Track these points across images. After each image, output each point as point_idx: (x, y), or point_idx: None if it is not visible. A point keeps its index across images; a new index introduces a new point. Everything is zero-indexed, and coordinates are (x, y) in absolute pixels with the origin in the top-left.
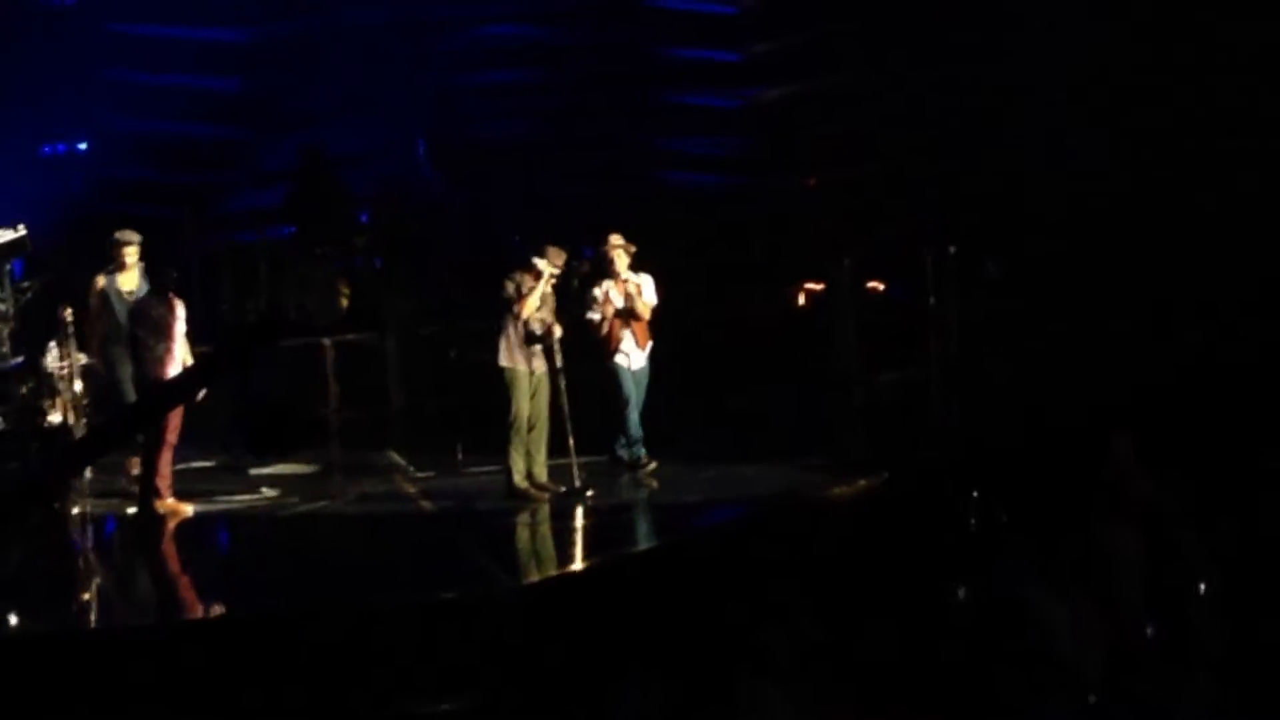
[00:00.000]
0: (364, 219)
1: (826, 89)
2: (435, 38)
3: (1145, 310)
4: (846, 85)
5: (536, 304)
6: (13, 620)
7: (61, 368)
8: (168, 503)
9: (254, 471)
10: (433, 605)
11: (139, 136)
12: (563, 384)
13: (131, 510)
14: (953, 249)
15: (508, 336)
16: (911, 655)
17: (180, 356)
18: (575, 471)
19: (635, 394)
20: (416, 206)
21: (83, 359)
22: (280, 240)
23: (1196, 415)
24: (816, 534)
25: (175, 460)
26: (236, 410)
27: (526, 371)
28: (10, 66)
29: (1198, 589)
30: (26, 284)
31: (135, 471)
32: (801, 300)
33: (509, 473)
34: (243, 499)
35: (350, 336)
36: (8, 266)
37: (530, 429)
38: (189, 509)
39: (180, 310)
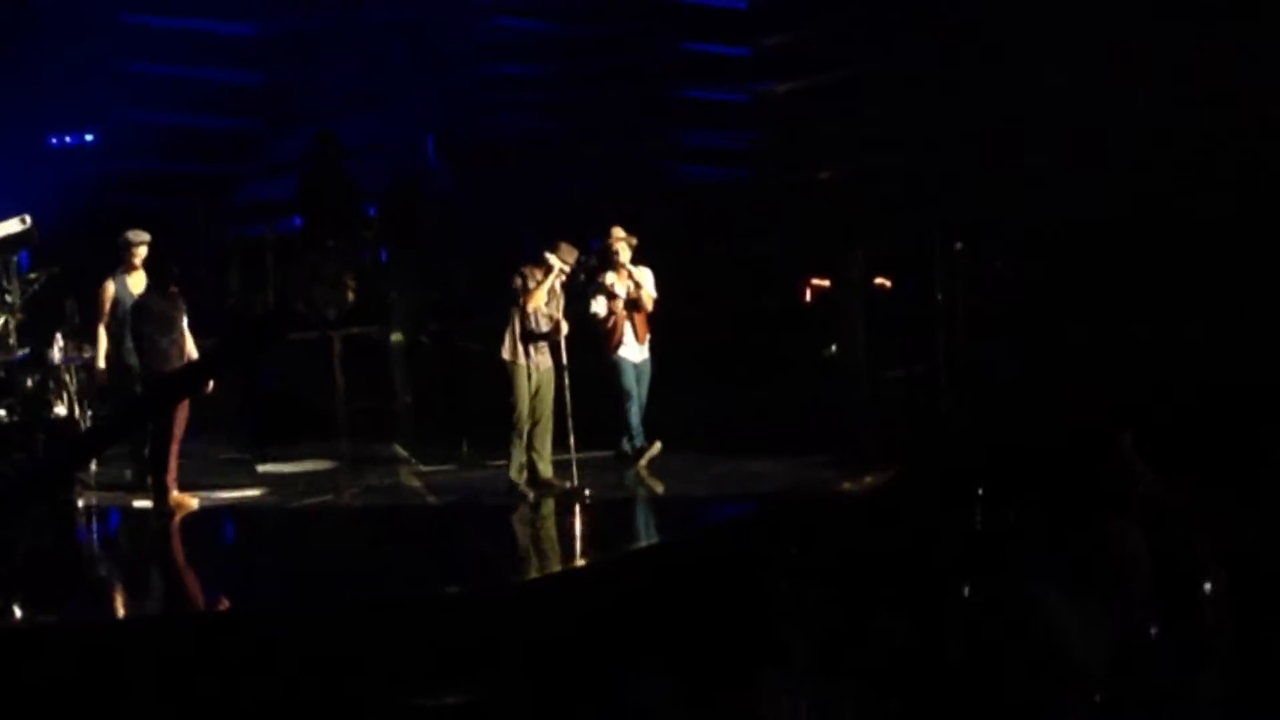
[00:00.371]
0: (372, 212)
1: (836, 84)
2: (445, 31)
3: (1156, 308)
4: (856, 80)
5: (544, 298)
6: (18, 612)
7: (68, 360)
8: (174, 495)
9: (260, 464)
10: (437, 599)
11: (148, 128)
12: (566, 380)
13: (138, 503)
14: (961, 245)
15: (512, 330)
16: (918, 653)
17: (185, 351)
18: (575, 468)
19: (637, 387)
20: (425, 200)
21: (91, 351)
22: (289, 233)
23: (1206, 414)
24: (823, 530)
25: (181, 453)
26: (243, 403)
27: (527, 366)
28: (19, 57)
29: (1205, 588)
30: (33, 275)
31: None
32: (808, 296)
33: (509, 466)
34: (248, 492)
35: (357, 330)
36: (14, 258)
37: (534, 425)
38: (194, 502)
39: (182, 304)
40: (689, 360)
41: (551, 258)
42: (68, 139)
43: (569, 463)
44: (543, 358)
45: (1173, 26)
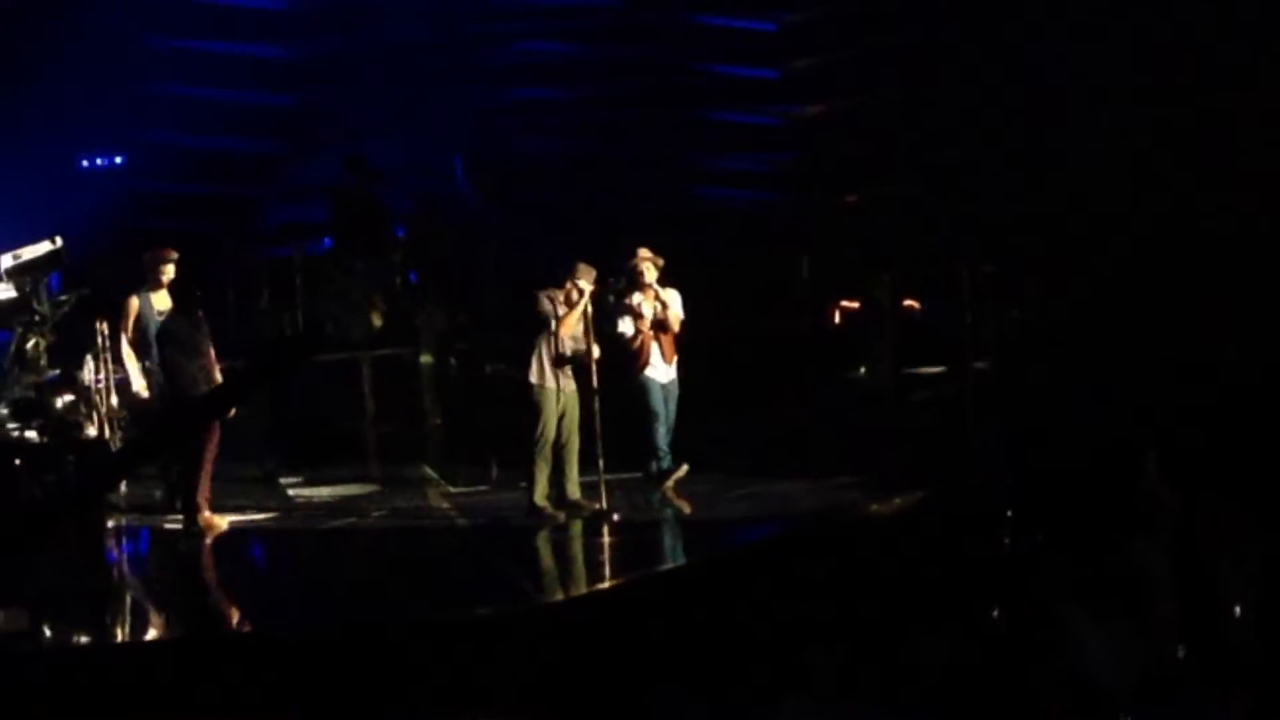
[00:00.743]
0: (400, 234)
1: (864, 106)
2: (475, 54)
3: (1184, 329)
4: (884, 103)
5: (577, 320)
6: (48, 633)
7: (98, 381)
8: (204, 516)
9: (288, 486)
10: (467, 621)
11: (176, 150)
12: (596, 404)
13: (167, 524)
14: (990, 268)
15: (539, 354)
16: (948, 675)
17: (211, 375)
18: (603, 490)
19: (664, 409)
20: (453, 222)
21: (123, 372)
22: (317, 255)
23: (1233, 434)
24: (852, 552)
25: (211, 474)
26: (272, 424)
27: (556, 389)
28: (48, 80)
29: (1233, 609)
30: (64, 297)
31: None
32: (837, 318)
33: (531, 490)
34: (277, 513)
35: (385, 352)
36: (45, 280)
37: (562, 447)
38: (224, 523)
39: (206, 328)
40: (718, 382)
41: (581, 282)
42: (97, 161)
43: (597, 484)
44: (568, 381)
45: (1194, 41)
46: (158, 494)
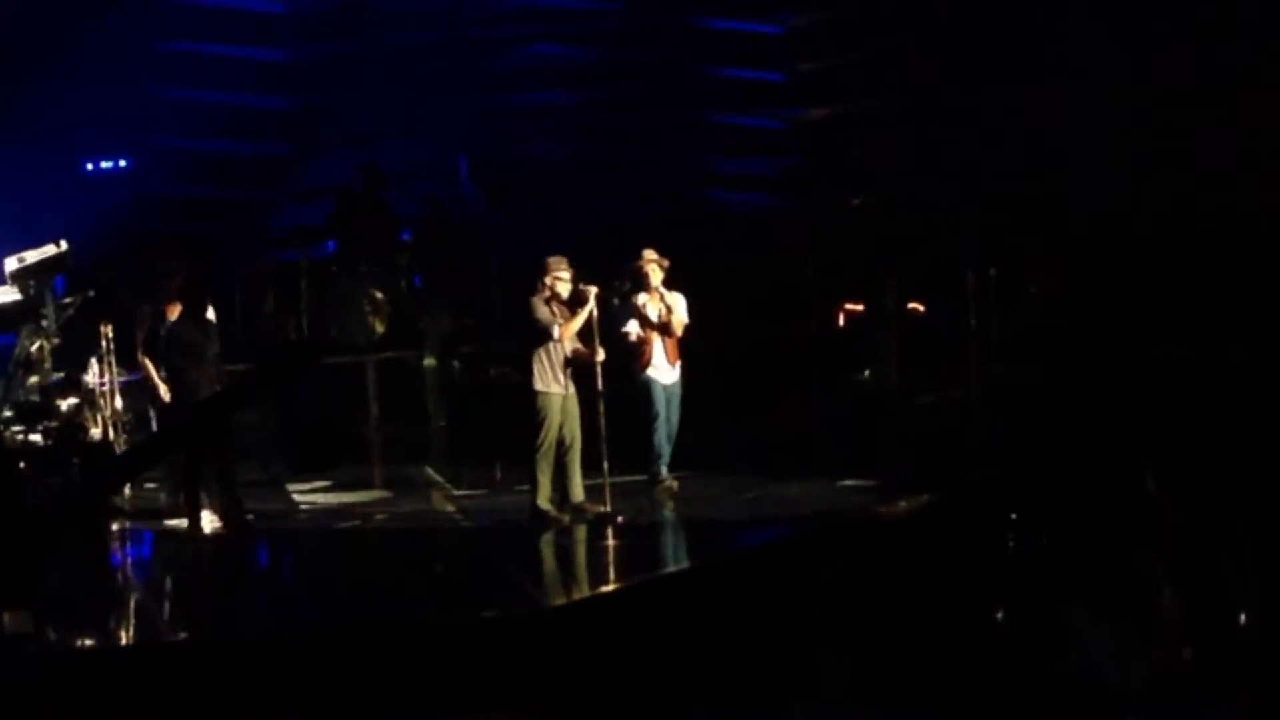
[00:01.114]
0: (406, 237)
1: (870, 109)
2: (480, 57)
3: (1188, 331)
4: (890, 106)
5: (579, 325)
6: (52, 636)
7: (103, 384)
8: (209, 520)
9: (293, 489)
10: (471, 623)
11: (181, 153)
12: (601, 407)
13: (174, 526)
14: (994, 270)
15: (541, 360)
16: (952, 677)
17: (215, 381)
18: (607, 493)
19: (666, 410)
20: (458, 225)
21: (127, 376)
22: (323, 258)
23: (1237, 437)
24: (857, 554)
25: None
26: (278, 427)
27: (558, 395)
28: (54, 84)
29: (1236, 611)
30: (69, 300)
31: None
32: (842, 321)
33: (534, 494)
34: (281, 516)
35: (391, 355)
36: (50, 283)
37: (566, 450)
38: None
39: (214, 334)
40: (723, 385)
41: (559, 280)
42: (102, 165)
43: (602, 487)
44: (570, 383)
45: (1200, 44)
46: (162, 496)
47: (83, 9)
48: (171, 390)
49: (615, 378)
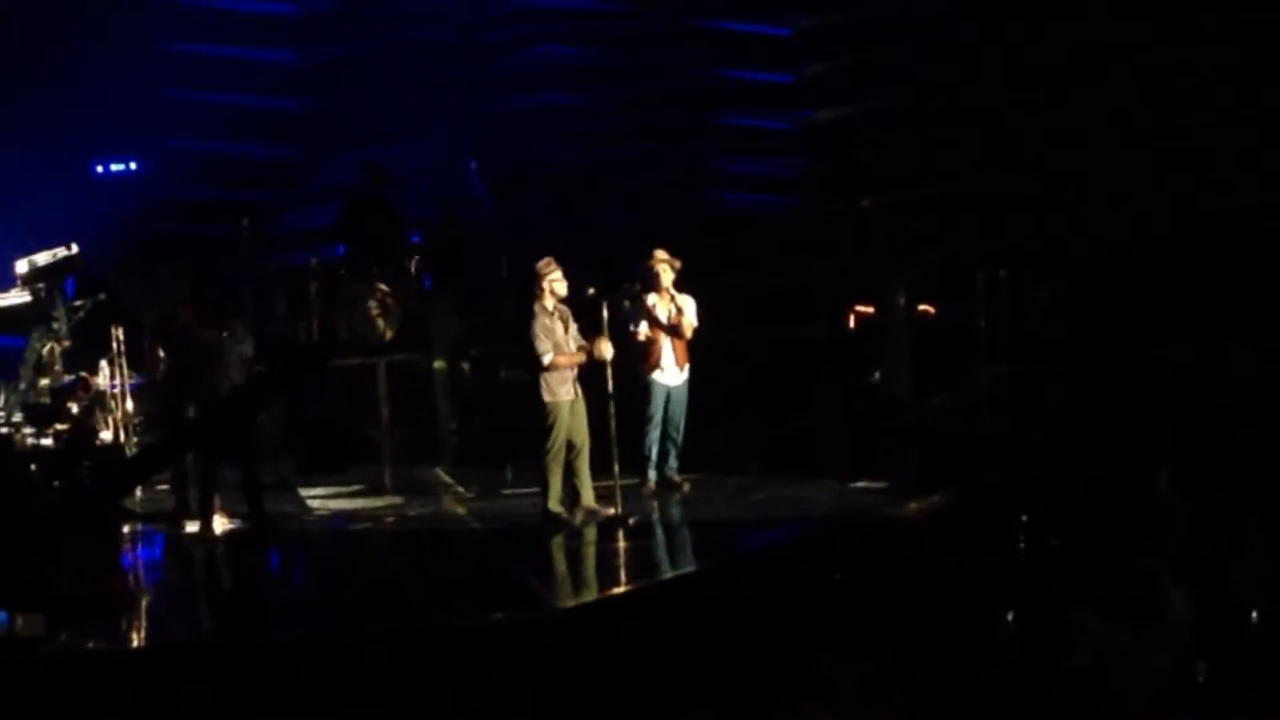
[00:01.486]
0: (415, 239)
1: (879, 111)
2: (490, 59)
3: (1198, 335)
4: (899, 107)
5: (578, 358)
6: (63, 639)
7: (113, 386)
8: (222, 522)
9: (303, 491)
10: (481, 626)
11: (191, 155)
12: (612, 409)
13: (188, 528)
14: (1004, 272)
15: (547, 372)
16: (960, 679)
17: (229, 381)
18: (619, 495)
19: (674, 412)
20: (468, 227)
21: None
22: (333, 260)
23: (1248, 441)
24: (867, 557)
25: (225, 478)
26: (288, 429)
27: (568, 399)
28: (64, 85)
29: (1245, 614)
30: (79, 303)
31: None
32: (852, 322)
33: (544, 496)
34: (292, 518)
35: (401, 357)
36: (60, 285)
37: (574, 454)
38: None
39: (232, 334)
40: (733, 386)
41: (553, 283)
42: (112, 167)
43: (612, 489)
44: (577, 387)
45: (1208, 46)
46: (172, 498)
47: (92, 10)
48: (183, 391)
49: (626, 379)
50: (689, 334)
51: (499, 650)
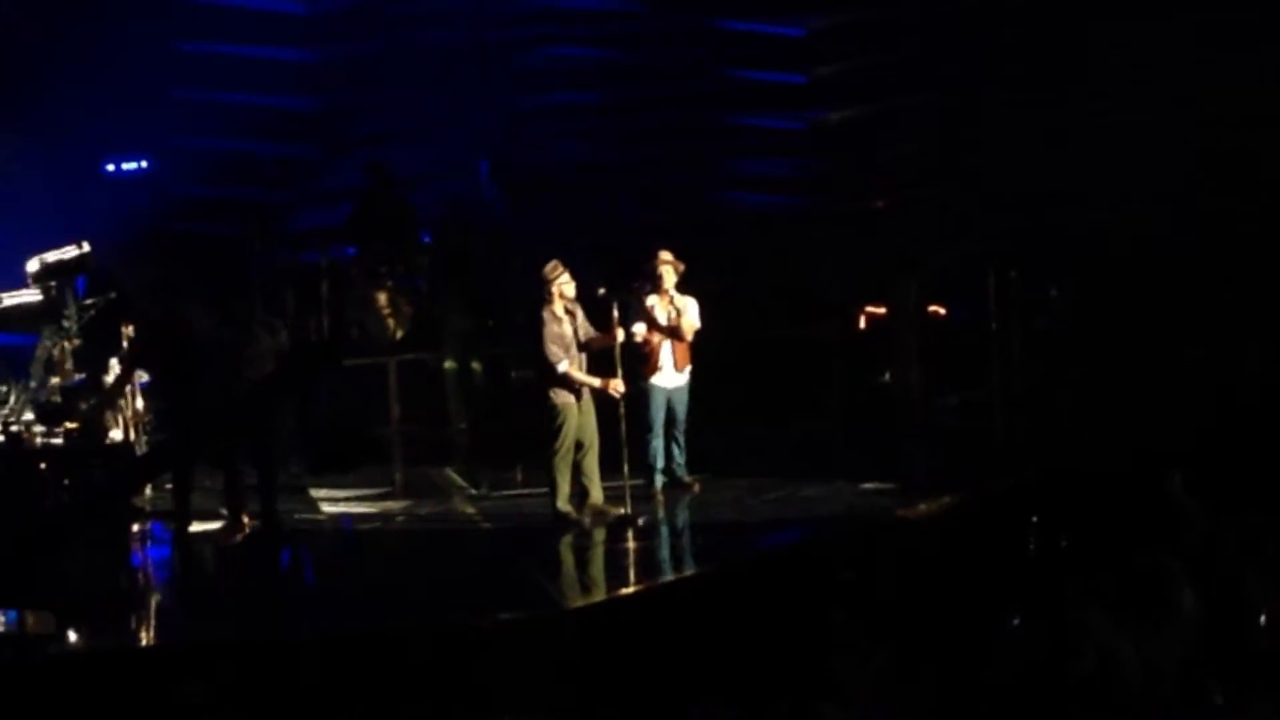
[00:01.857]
0: (426, 239)
1: (891, 112)
2: (502, 59)
3: (1211, 337)
4: (912, 107)
5: (591, 382)
6: (74, 637)
7: (143, 385)
8: (243, 521)
9: (313, 490)
10: (491, 625)
11: (203, 154)
12: (621, 409)
13: (193, 528)
14: (1015, 273)
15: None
16: (971, 682)
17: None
18: (628, 495)
19: (676, 414)
20: (479, 227)
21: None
22: (344, 259)
23: (1261, 442)
24: (878, 557)
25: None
26: (298, 428)
27: (577, 401)
28: (76, 84)
29: (1258, 619)
30: (90, 301)
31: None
32: (863, 323)
33: (553, 496)
34: (301, 517)
35: (410, 356)
36: (71, 284)
37: (583, 452)
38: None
39: (246, 335)
40: (743, 387)
41: (560, 287)
42: (123, 166)
43: (622, 489)
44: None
45: (1215, 49)
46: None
47: (104, 9)
48: (195, 389)
49: (633, 380)
50: (689, 335)
51: (508, 649)
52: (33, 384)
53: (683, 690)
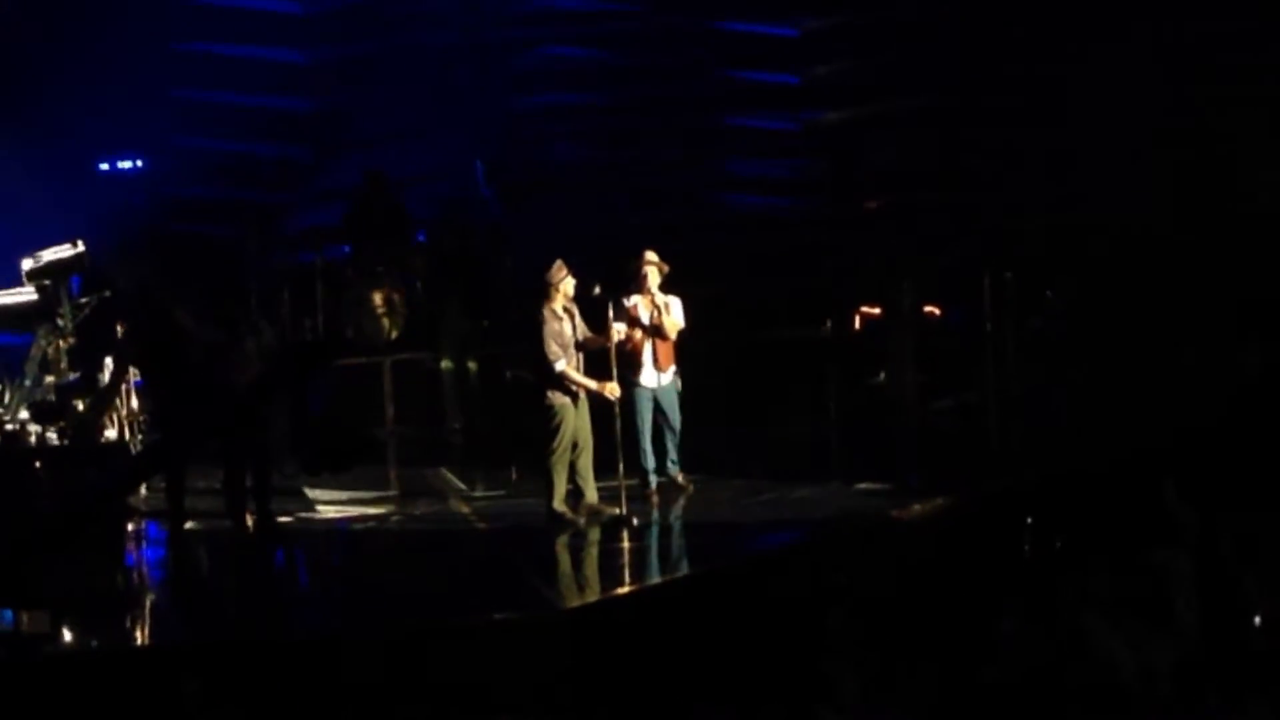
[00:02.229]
0: (421, 239)
1: (885, 113)
2: (498, 60)
3: (1205, 338)
4: (905, 109)
5: (588, 384)
6: (69, 637)
7: (138, 383)
8: (244, 521)
9: (308, 490)
10: (486, 626)
11: (198, 154)
12: (616, 409)
13: (190, 527)
14: (1010, 274)
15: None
16: (966, 684)
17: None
18: (623, 495)
19: (666, 414)
20: (476, 228)
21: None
22: (339, 260)
23: (1255, 444)
24: (873, 559)
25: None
26: (293, 428)
27: (570, 404)
28: (72, 83)
29: (1253, 618)
30: (84, 300)
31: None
32: (858, 324)
33: (548, 496)
34: (296, 518)
35: (406, 356)
36: (65, 283)
37: (578, 453)
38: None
39: (234, 333)
40: (738, 387)
41: (564, 288)
42: (119, 165)
43: (616, 489)
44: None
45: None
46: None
47: (102, 9)
48: (180, 394)
49: (628, 381)
50: (673, 335)
51: (503, 650)
52: (27, 383)
53: (678, 691)
